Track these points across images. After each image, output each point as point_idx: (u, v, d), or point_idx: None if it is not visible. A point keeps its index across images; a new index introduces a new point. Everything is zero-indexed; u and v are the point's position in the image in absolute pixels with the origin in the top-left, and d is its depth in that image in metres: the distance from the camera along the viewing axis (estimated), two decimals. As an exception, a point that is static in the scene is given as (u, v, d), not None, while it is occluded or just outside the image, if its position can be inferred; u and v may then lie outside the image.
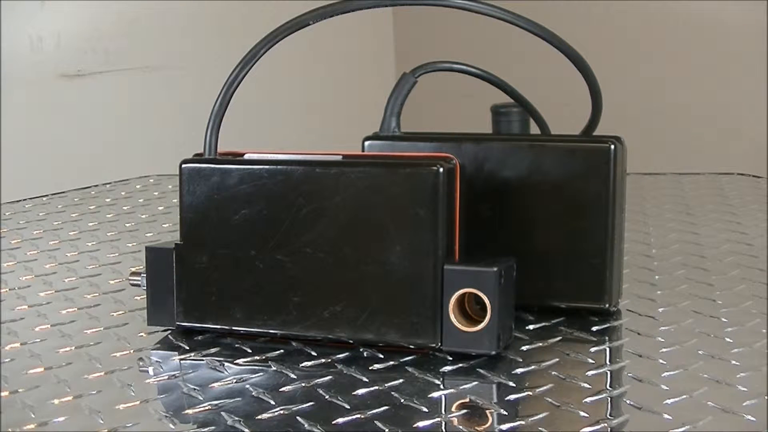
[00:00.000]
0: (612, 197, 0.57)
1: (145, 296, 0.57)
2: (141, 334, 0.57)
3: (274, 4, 1.68)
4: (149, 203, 0.96)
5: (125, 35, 2.06)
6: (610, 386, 0.49)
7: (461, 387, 0.49)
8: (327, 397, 0.48)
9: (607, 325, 0.58)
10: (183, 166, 0.55)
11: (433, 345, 0.52)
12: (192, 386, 0.49)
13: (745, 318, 0.58)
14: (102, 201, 0.98)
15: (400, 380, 0.50)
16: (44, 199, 0.99)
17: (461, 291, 0.51)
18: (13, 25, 1.91)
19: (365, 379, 0.50)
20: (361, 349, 0.54)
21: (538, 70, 1.80)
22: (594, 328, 0.57)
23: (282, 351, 0.54)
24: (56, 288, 0.67)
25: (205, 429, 0.45)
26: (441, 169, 0.51)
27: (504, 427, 0.45)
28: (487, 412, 0.46)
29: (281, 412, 0.46)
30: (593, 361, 0.52)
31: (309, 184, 0.53)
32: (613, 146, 0.57)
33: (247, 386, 0.49)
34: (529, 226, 0.58)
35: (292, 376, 0.51)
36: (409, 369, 0.51)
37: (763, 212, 0.85)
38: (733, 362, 0.51)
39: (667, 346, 0.54)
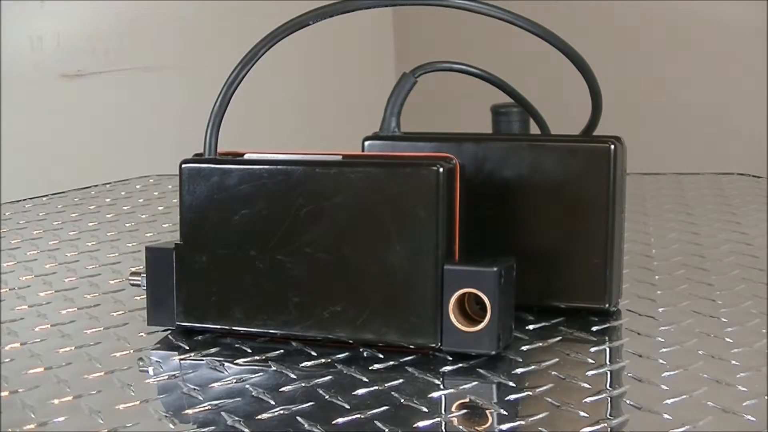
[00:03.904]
0: (612, 197, 0.57)
1: (145, 296, 0.57)
2: (141, 334, 0.57)
3: (274, 4, 1.68)
4: (149, 203, 0.96)
5: (125, 35, 2.06)
6: (610, 386, 0.49)
7: (461, 387, 0.49)
8: (327, 397, 0.48)
9: (607, 325, 0.58)
10: (183, 166, 0.55)
11: (433, 345, 0.51)
12: (192, 386, 0.49)
13: (745, 318, 0.58)
14: (102, 201, 0.98)
15: (400, 380, 0.50)
16: (44, 199, 0.99)
17: (461, 291, 0.51)
18: (13, 25, 1.91)
19: (365, 379, 0.50)
20: (361, 349, 0.54)
21: (538, 70, 1.80)
22: (594, 328, 0.57)
23: (282, 351, 0.54)
24: (56, 288, 0.67)
25: (205, 429, 0.45)
26: (441, 169, 0.51)
27: (504, 427, 0.45)
28: (487, 412, 0.46)
29: (281, 412, 0.46)
30: (593, 361, 0.52)
31: (309, 184, 0.53)
32: (613, 146, 0.57)
33: (247, 386, 0.49)
34: (528, 226, 0.58)
35: (292, 376, 0.51)
36: (409, 369, 0.51)
37: (763, 212, 0.85)
38: (733, 362, 0.51)
39: (667, 346, 0.54)
